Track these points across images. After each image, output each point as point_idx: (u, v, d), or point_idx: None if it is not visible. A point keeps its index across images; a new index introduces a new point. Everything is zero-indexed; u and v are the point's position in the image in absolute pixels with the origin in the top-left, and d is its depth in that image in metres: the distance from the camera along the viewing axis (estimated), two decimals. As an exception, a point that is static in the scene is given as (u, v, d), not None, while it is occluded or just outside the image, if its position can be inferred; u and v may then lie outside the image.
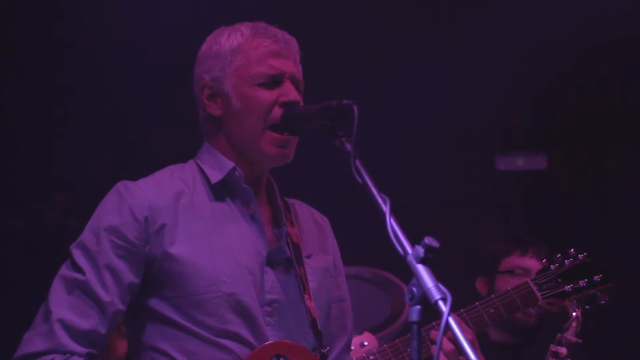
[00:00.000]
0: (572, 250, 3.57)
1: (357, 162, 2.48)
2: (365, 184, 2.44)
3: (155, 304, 2.83)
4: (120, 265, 2.79)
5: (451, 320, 2.17)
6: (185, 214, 2.85)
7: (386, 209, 2.36)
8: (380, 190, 2.41)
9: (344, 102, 2.60)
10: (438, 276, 2.21)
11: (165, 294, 2.81)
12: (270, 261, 2.90)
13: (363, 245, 5.26)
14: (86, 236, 2.83)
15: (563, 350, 4.10)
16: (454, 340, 2.22)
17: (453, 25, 5.60)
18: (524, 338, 4.49)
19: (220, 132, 2.96)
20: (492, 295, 3.49)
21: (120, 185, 2.88)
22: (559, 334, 4.12)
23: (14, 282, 5.38)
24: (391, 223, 2.32)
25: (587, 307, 3.60)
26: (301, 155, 3.05)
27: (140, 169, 3.01)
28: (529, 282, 3.53)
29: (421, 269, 2.22)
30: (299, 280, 2.92)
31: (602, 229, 6.31)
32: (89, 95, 5.55)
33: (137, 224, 2.80)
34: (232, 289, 2.81)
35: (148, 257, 2.80)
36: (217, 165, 2.93)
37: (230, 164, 2.91)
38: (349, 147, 2.52)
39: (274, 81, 2.91)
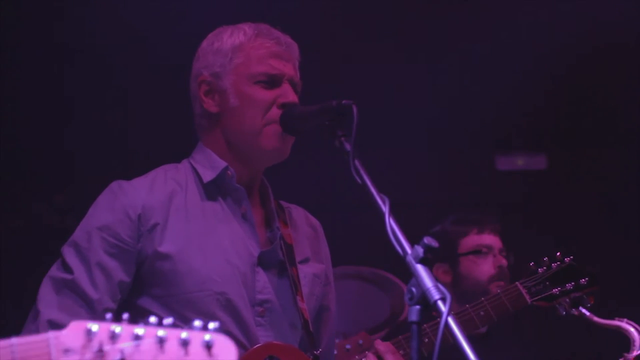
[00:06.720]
0: (558, 254, 3.56)
1: (357, 162, 2.48)
2: (364, 184, 2.45)
3: (145, 302, 2.83)
4: (111, 264, 2.80)
5: (450, 321, 2.17)
6: (178, 213, 2.86)
7: (385, 209, 2.36)
8: (379, 190, 2.41)
9: (344, 102, 2.61)
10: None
11: (156, 292, 2.82)
12: (263, 262, 2.90)
13: (363, 245, 5.25)
14: (78, 234, 2.84)
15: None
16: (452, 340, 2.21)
17: (454, 26, 5.59)
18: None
19: (215, 128, 2.96)
20: (482, 299, 3.48)
21: (114, 184, 2.89)
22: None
23: (13, 283, 5.37)
24: (390, 223, 2.33)
25: (573, 310, 3.55)
26: (300, 154, 3.05)
27: (140, 169, 3.01)
28: (518, 285, 3.51)
29: (420, 269, 2.22)
30: (291, 282, 2.92)
31: (601, 229, 6.30)
32: (89, 95, 5.54)
33: (130, 222, 2.81)
34: (222, 288, 2.81)
35: (139, 256, 2.81)
36: (209, 164, 2.94)
37: (223, 164, 2.92)
38: (348, 147, 2.52)
39: (272, 81, 2.91)
